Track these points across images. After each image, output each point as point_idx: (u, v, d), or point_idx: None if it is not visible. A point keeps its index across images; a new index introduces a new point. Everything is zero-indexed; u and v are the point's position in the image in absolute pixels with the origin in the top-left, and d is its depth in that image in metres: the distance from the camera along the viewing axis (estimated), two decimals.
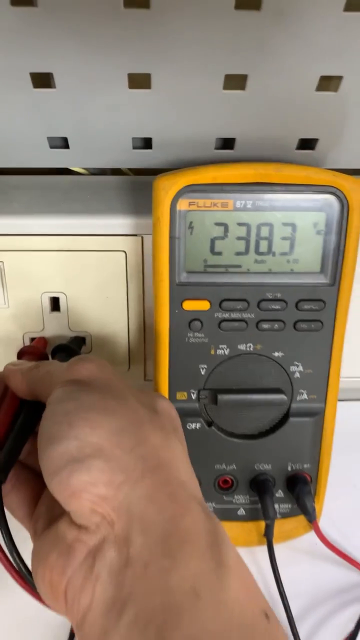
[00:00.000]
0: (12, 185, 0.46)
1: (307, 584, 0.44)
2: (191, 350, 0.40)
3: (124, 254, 0.43)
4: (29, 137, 0.39)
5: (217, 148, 0.40)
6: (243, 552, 0.43)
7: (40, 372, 0.34)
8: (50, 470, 0.26)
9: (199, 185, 0.37)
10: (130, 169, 0.48)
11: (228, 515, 0.44)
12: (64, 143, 0.40)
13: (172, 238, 0.38)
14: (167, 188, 0.36)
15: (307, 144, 0.40)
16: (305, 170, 0.37)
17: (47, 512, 0.30)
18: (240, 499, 0.44)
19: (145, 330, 0.47)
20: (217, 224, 0.38)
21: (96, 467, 0.25)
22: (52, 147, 0.40)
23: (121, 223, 0.42)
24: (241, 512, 0.44)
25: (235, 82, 0.35)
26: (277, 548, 0.42)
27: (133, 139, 0.39)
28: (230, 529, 0.43)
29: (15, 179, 0.46)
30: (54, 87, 0.35)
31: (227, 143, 0.40)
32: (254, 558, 0.45)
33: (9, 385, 0.35)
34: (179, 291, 0.39)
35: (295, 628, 0.39)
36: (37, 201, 0.44)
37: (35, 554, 0.26)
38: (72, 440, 0.26)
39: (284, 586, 0.40)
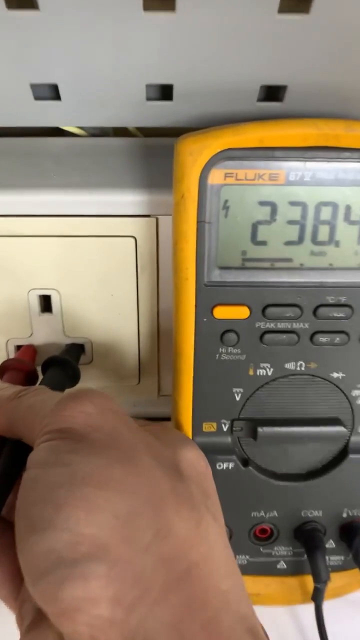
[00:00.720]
0: None
1: None
2: (223, 370, 0.31)
3: (133, 240, 0.34)
4: (6, 84, 0.29)
5: (260, 100, 0.30)
6: (281, 611, 0.34)
7: (21, 407, 0.25)
8: (31, 572, 0.18)
9: (240, 150, 0.27)
10: (139, 129, 0.37)
11: (265, 569, 0.35)
12: (53, 93, 0.30)
13: (200, 223, 0.28)
14: (196, 153, 0.26)
15: None
16: None
17: None
18: (281, 551, 0.35)
19: (160, 335, 0.37)
20: (262, 204, 0.28)
21: (96, 575, 0.17)
22: (37, 98, 0.30)
23: (130, 200, 0.33)
24: (281, 565, 0.35)
25: (295, 1, 0.25)
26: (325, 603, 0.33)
27: (147, 86, 0.29)
28: (267, 585, 0.35)
29: None
30: (37, 7, 0.24)
31: (274, 93, 0.30)
32: (293, 611, 0.36)
33: None
34: (209, 294, 0.29)
35: None
36: (21, 171, 0.34)
37: None
38: (61, 532, 0.18)
39: None
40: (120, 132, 0.38)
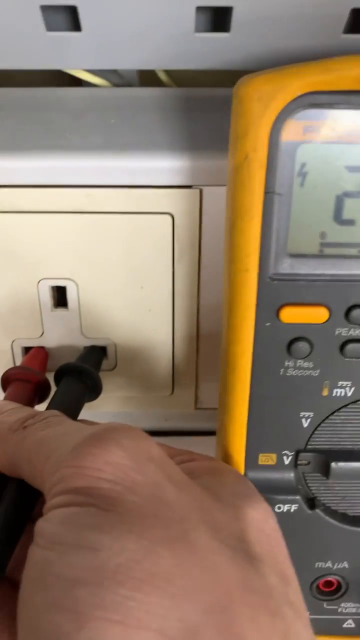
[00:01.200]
0: None
1: None
2: (289, 389, 0.24)
3: (169, 217, 0.27)
4: (9, 8, 0.22)
5: (347, 31, 0.22)
6: None
7: (27, 443, 0.19)
8: None
9: (330, 95, 0.19)
10: (171, 78, 0.30)
11: (330, 628, 0.29)
12: (71, 21, 0.23)
13: (268, 194, 0.21)
14: (267, 98, 0.19)
15: None
16: None
17: None
18: (350, 608, 0.28)
19: (199, 338, 0.30)
20: (353, 169, 0.21)
21: None
22: (50, 29, 0.23)
23: (167, 167, 0.26)
24: (349, 624, 0.29)
25: None
26: None
27: (198, 10, 0.21)
28: None
29: None
30: None
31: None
32: None
33: None
34: (275, 290, 0.22)
35: None
36: (28, 130, 0.27)
37: None
38: None
39: None
40: (148, 80, 0.30)
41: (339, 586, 0.28)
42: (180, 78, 0.30)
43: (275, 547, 0.18)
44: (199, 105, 0.28)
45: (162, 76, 0.30)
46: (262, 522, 0.18)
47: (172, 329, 0.30)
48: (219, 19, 0.22)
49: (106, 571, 0.14)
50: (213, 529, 0.16)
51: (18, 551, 0.20)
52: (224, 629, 0.14)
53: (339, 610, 0.28)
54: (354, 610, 0.28)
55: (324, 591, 0.28)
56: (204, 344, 0.30)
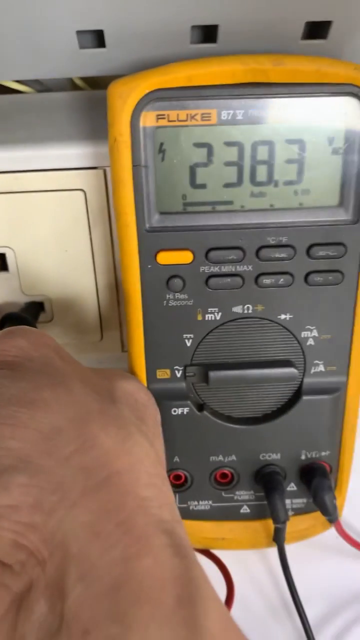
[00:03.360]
0: None
1: (327, 586, 0.36)
2: (172, 317, 0.31)
3: (82, 193, 0.34)
4: None
5: (194, 42, 0.29)
6: (249, 554, 0.35)
7: None
8: None
9: (170, 90, 0.27)
10: (86, 82, 0.37)
11: (229, 514, 0.36)
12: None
13: (136, 167, 0.28)
14: (125, 95, 0.26)
15: (316, 30, 0.30)
16: (315, 62, 0.26)
17: None
18: (243, 495, 0.35)
19: (118, 288, 0.37)
20: (198, 145, 0.28)
21: (18, 484, 0.19)
22: None
23: (77, 153, 0.33)
24: (245, 509, 0.36)
25: None
26: (290, 546, 0.34)
27: (79, 34, 0.29)
28: (231, 529, 0.36)
29: None
30: None
31: (208, 34, 0.29)
32: (263, 556, 0.37)
33: None
34: (151, 240, 0.29)
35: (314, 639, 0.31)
36: None
37: None
38: None
39: (299, 589, 0.32)
40: (67, 86, 0.37)
41: (232, 477, 0.35)
42: (91, 82, 0.38)
43: (139, 405, 0.25)
44: (102, 104, 0.35)
45: (78, 81, 0.38)
46: (132, 390, 0.25)
47: (95, 283, 0.37)
48: (96, 38, 0.29)
49: (3, 398, 0.21)
50: (87, 385, 0.23)
51: None
52: (80, 429, 0.21)
53: (235, 497, 0.35)
54: (247, 497, 0.35)
55: (221, 482, 0.35)
56: (122, 294, 0.37)
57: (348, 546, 0.35)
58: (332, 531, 0.35)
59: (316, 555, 0.37)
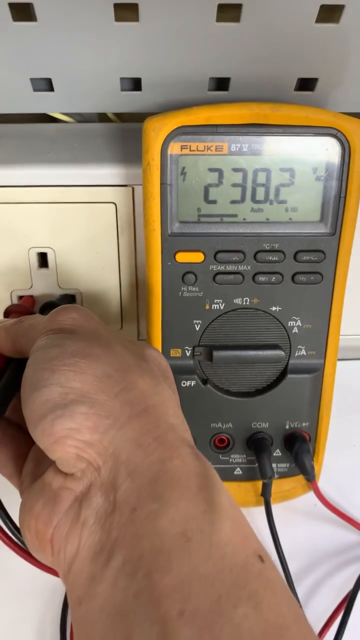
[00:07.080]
0: None
1: (306, 545, 0.43)
2: (185, 305, 0.38)
3: (113, 205, 0.41)
4: (10, 78, 0.37)
5: (210, 89, 0.38)
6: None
7: (23, 326, 0.32)
8: (33, 419, 0.25)
9: (192, 127, 0.35)
10: (117, 116, 0.45)
11: (224, 475, 0.43)
12: (48, 85, 0.38)
13: (163, 185, 0.36)
14: (157, 129, 0.34)
15: (306, 84, 0.38)
16: (304, 110, 0.35)
17: (35, 469, 0.29)
18: (237, 459, 0.42)
19: (138, 287, 0.45)
20: (211, 170, 0.36)
21: (80, 413, 0.24)
22: (35, 90, 0.38)
23: (110, 173, 0.40)
24: (238, 471, 0.43)
25: (229, 13, 0.32)
26: (275, 509, 0.41)
27: (121, 79, 0.37)
28: (226, 489, 0.42)
29: None
30: (35, 19, 0.32)
31: (222, 84, 0.38)
32: (252, 518, 0.44)
33: None
34: (172, 242, 0.37)
35: (294, 588, 0.38)
36: (21, 150, 0.41)
37: (22, 506, 0.26)
38: (55, 387, 0.25)
39: (283, 547, 0.39)
40: (102, 118, 0.46)
41: (229, 442, 0.42)
42: (122, 116, 0.46)
43: (162, 367, 0.32)
44: (132, 135, 0.43)
45: (111, 116, 0.46)
46: (157, 356, 0.32)
47: (119, 282, 0.45)
48: (135, 84, 0.38)
49: (67, 352, 0.27)
50: (125, 348, 0.30)
51: (15, 402, 0.33)
52: (124, 375, 0.27)
53: (230, 460, 0.42)
54: (240, 460, 0.42)
55: (219, 446, 0.42)
56: (141, 291, 0.45)
57: (325, 512, 0.42)
58: (311, 500, 0.42)
59: (297, 520, 0.44)
